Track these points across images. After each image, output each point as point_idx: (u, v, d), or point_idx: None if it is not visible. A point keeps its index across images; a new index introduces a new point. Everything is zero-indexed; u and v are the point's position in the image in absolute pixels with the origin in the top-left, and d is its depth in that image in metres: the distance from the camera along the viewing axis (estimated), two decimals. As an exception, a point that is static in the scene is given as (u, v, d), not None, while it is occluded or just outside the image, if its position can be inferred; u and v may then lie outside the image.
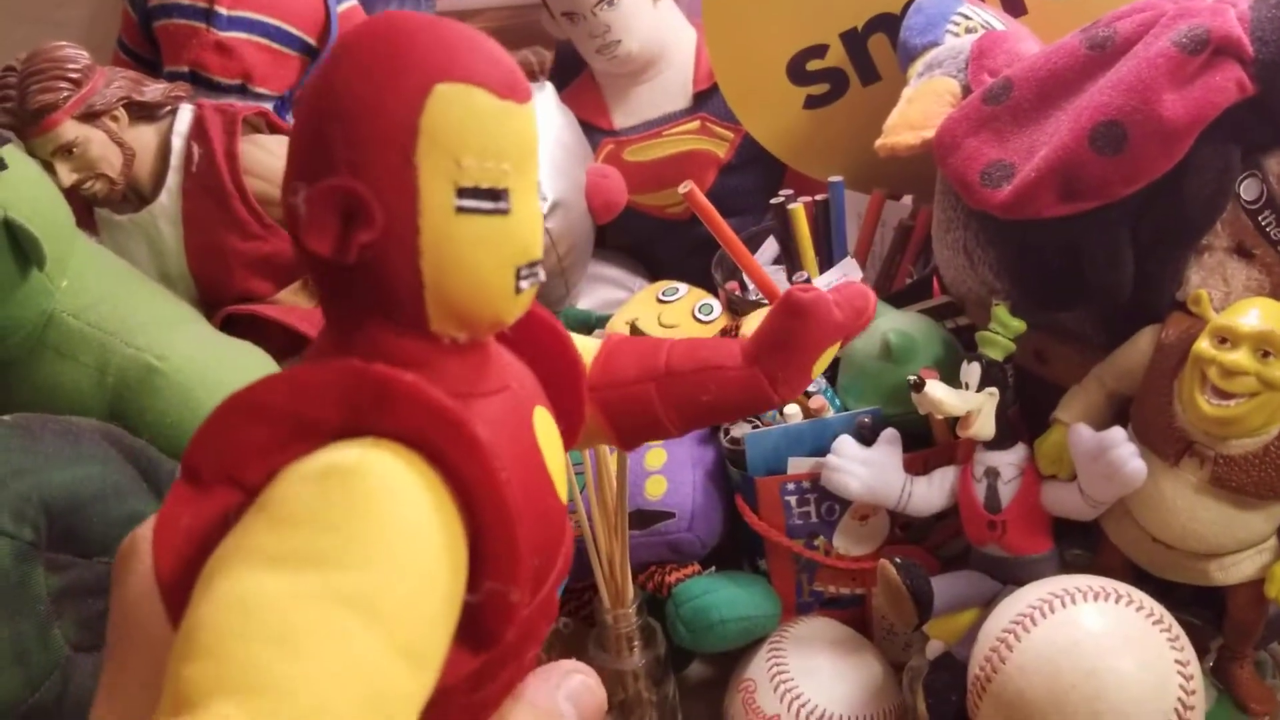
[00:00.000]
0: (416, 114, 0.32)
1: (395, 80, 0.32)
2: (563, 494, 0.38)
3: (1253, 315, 0.59)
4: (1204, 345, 0.60)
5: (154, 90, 0.84)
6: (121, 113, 0.82)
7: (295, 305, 0.87)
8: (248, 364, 0.77)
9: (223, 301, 0.85)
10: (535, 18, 1.09)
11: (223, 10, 0.99)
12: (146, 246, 0.85)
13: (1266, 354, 0.58)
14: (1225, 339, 0.60)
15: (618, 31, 1.03)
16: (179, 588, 0.30)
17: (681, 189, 0.83)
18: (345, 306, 0.34)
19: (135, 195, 0.85)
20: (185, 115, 0.84)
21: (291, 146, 0.33)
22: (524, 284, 0.35)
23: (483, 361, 0.37)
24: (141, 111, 0.83)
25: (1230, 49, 0.62)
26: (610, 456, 0.72)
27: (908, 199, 0.99)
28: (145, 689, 0.29)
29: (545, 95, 0.99)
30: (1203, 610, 0.69)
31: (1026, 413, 0.74)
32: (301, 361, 0.34)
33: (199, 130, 0.83)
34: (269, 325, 0.83)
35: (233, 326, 0.83)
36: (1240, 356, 0.58)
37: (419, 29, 0.33)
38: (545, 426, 0.39)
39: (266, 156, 0.83)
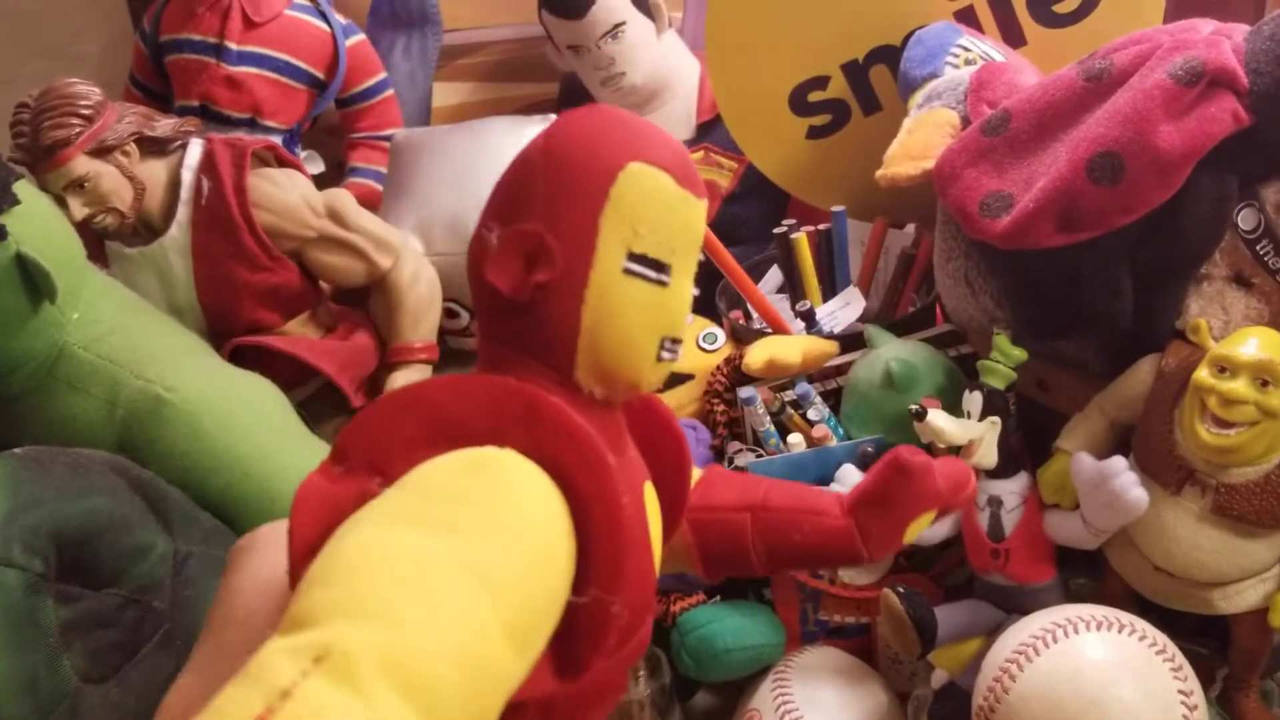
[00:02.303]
0: (609, 182, 0.38)
1: (597, 152, 0.38)
2: (655, 571, 0.41)
3: (1251, 344, 0.60)
4: (1203, 374, 0.60)
5: (164, 125, 0.85)
6: (133, 148, 0.83)
7: (303, 336, 0.87)
8: (256, 395, 0.78)
9: (231, 333, 0.85)
10: (541, 50, 1.10)
11: (233, 45, 1.01)
12: (156, 279, 0.86)
13: (1265, 383, 0.59)
14: (1224, 368, 0.60)
15: (622, 64, 1.04)
16: (309, 551, 0.33)
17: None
18: (503, 347, 0.38)
19: (145, 228, 0.86)
20: (195, 149, 0.85)
21: (493, 193, 0.40)
22: (665, 355, 0.41)
23: (613, 423, 0.40)
24: (152, 146, 0.84)
25: (1225, 80, 0.63)
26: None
27: (911, 228, 0.99)
28: (235, 662, 0.31)
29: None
30: (1208, 639, 0.69)
31: (1029, 441, 0.74)
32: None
33: (208, 164, 0.84)
34: (277, 356, 0.84)
35: (241, 358, 0.84)
36: (1239, 385, 0.59)
37: (625, 119, 0.40)
38: (652, 501, 0.42)
39: (275, 190, 0.84)
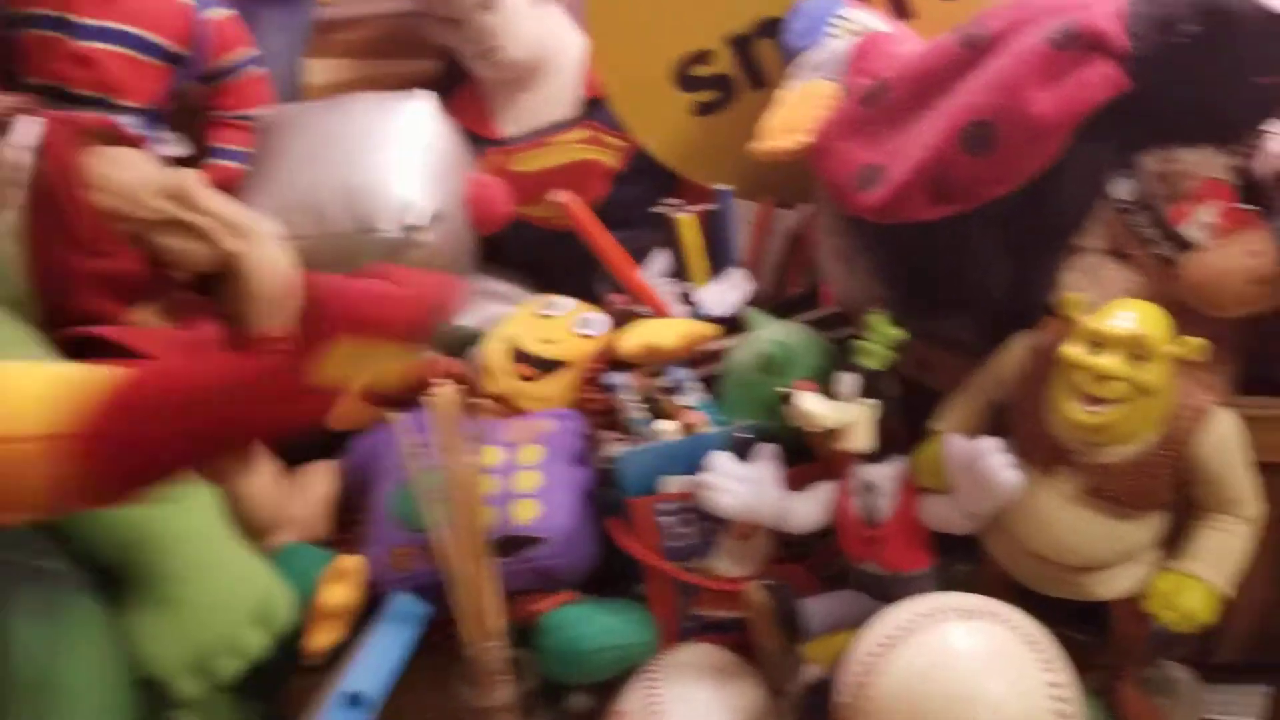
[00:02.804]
0: None
1: None
2: None
3: (1124, 318, 0.57)
4: (1074, 350, 0.58)
5: (-2, 102, 0.79)
6: (-41, 127, 0.77)
7: (147, 326, 0.82)
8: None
9: (68, 322, 0.79)
10: (410, 25, 1.05)
11: (82, 20, 0.94)
12: (-13, 265, 0.80)
13: (1138, 358, 0.56)
14: (1096, 343, 0.57)
15: (499, 37, 0.99)
16: None
17: (558, 199, 0.80)
18: None
19: (-23, 211, 0.80)
20: (27, 128, 0.79)
21: None
22: None
23: None
24: (-22, 125, 0.79)
25: (1102, 44, 0.61)
26: (470, 479, 0.68)
27: (799, 207, 0.96)
28: None
29: (423, 104, 0.96)
30: (1088, 625, 0.66)
31: (911, 423, 0.71)
32: None
33: (40, 143, 0.78)
34: (115, 348, 0.79)
35: (83, 351, 0.78)
36: (1111, 361, 0.56)
37: None
38: None
39: (111, 169, 0.78)
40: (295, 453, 0.92)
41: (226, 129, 1.02)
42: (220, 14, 1.01)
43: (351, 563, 0.76)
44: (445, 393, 0.65)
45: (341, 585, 0.75)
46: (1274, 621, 0.68)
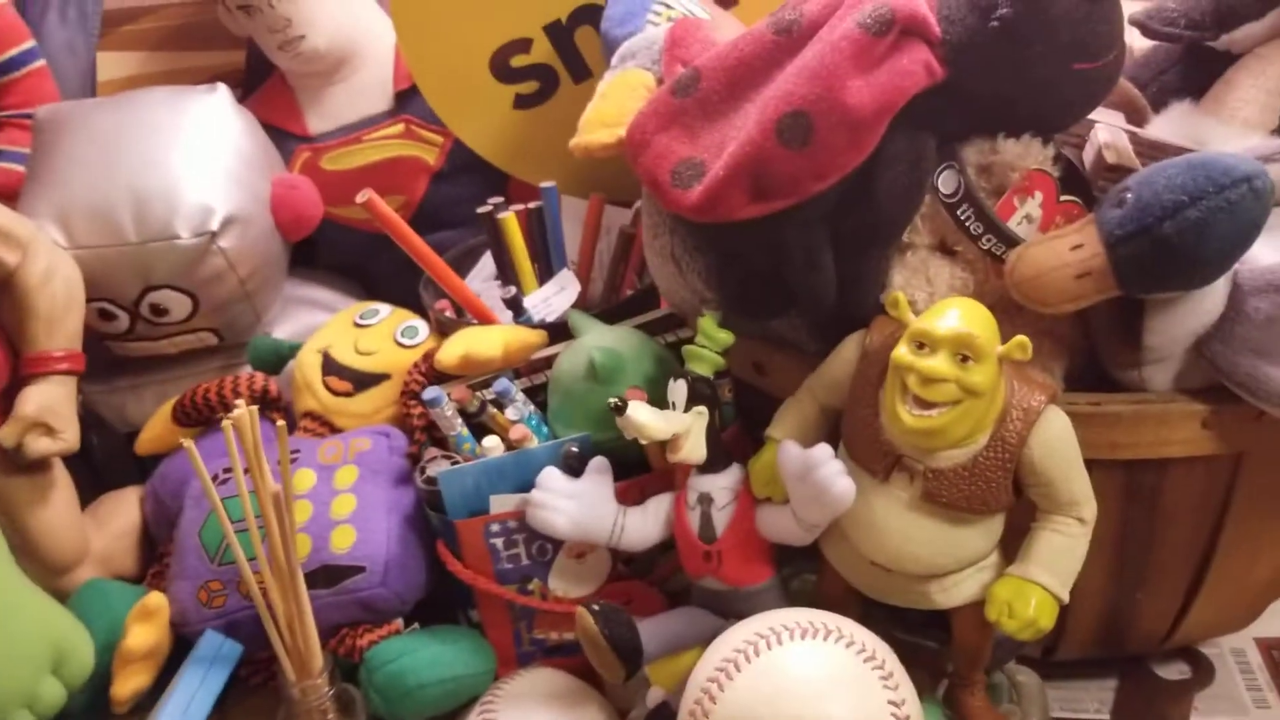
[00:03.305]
0: None
1: None
2: None
3: (950, 317, 0.54)
4: (902, 351, 0.55)
5: None
6: None
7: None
8: None
9: None
10: (213, 14, 0.98)
11: None
12: None
13: (966, 358, 0.54)
14: (924, 344, 0.55)
15: (300, 25, 0.93)
16: None
17: (359, 198, 0.75)
18: None
19: None
20: None
21: None
22: None
23: None
24: None
25: (917, 29, 0.58)
26: (281, 507, 0.62)
27: (636, 204, 0.93)
28: None
29: (219, 98, 0.89)
30: (936, 632, 0.65)
31: (751, 430, 0.69)
32: None
33: None
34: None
35: None
36: (939, 363, 0.54)
37: None
38: None
39: None
40: (95, 480, 0.86)
41: (9, 129, 0.93)
42: (-10, 9, 0.92)
43: (158, 600, 0.70)
44: (245, 413, 0.60)
45: (148, 625, 0.69)
46: (1116, 615, 0.67)
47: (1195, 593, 0.66)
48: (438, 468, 0.70)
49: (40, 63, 0.95)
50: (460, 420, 0.71)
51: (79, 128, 0.85)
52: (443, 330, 0.83)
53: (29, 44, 0.94)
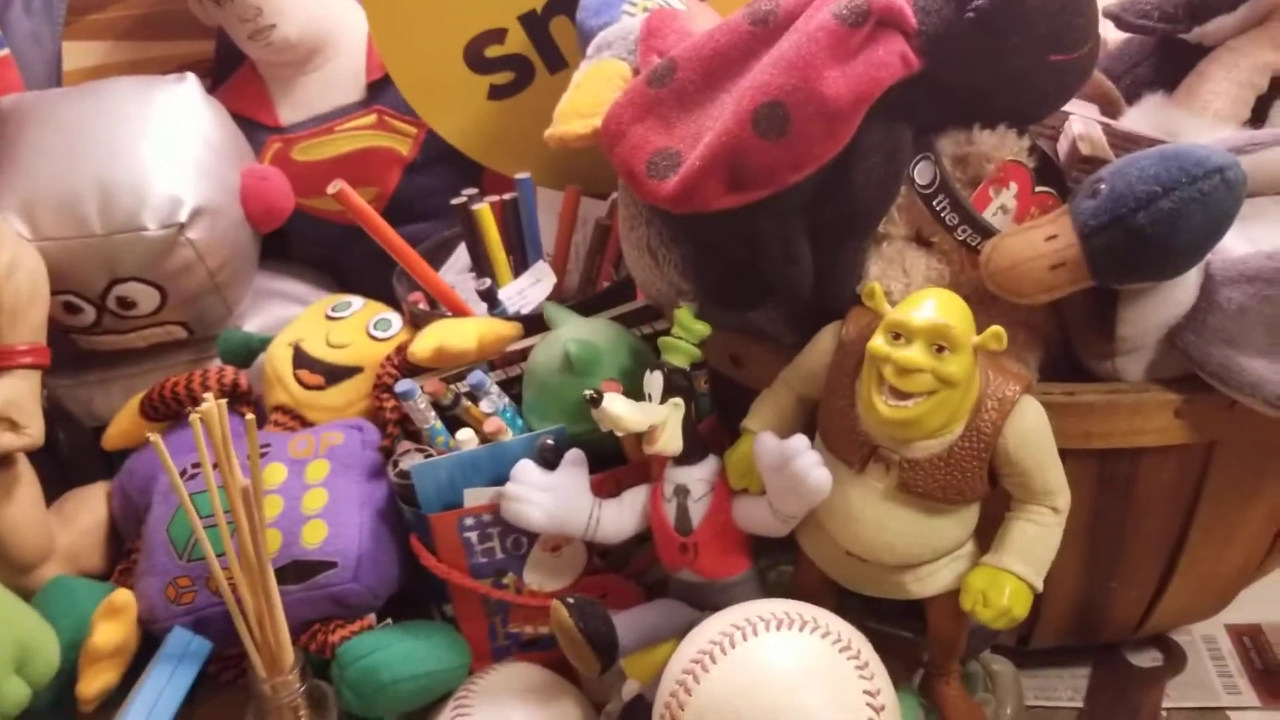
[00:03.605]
0: None
1: None
2: None
3: (926, 308, 0.55)
4: (878, 342, 0.55)
5: None
6: None
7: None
8: None
9: None
10: (182, 3, 0.97)
11: None
12: None
13: (941, 349, 0.54)
14: (900, 334, 0.55)
15: (270, 15, 0.92)
16: None
17: (330, 189, 0.74)
18: None
19: None
20: None
21: None
22: None
23: None
24: None
25: (892, 20, 0.58)
26: (250, 502, 0.62)
27: (612, 196, 0.92)
28: None
29: (187, 88, 0.88)
30: (912, 621, 0.65)
31: (728, 421, 0.69)
32: None
33: None
34: None
35: None
36: (914, 353, 0.54)
37: None
38: None
39: None
40: (62, 476, 0.84)
41: (-32, 119, 0.92)
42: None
43: (125, 598, 0.69)
44: (213, 406, 0.59)
45: (115, 623, 0.69)
46: (1089, 604, 0.67)
47: (1168, 581, 0.67)
48: (411, 461, 0.69)
49: (4, 52, 0.94)
50: (434, 413, 0.71)
51: (44, 118, 0.84)
52: (416, 323, 0.82)
53: (-8, 32, 0.93)
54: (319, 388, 0.78)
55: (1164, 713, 0.70)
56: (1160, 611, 0.69)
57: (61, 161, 0.81)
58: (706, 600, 0.64)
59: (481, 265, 0.87)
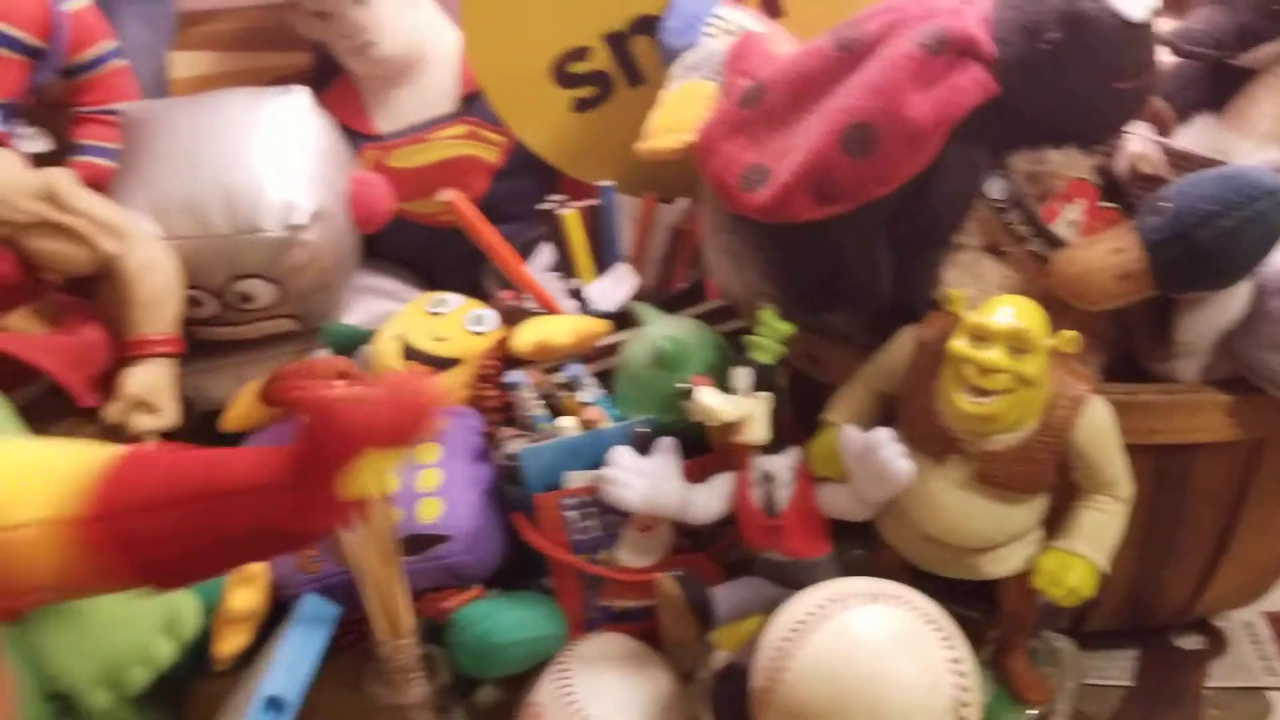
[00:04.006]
0: None
1: None
2: None
3: (1004, 313, 0.60)
4: (960, 344, 0.61)
5: None
6: None
7: (24, 332, 0.79)
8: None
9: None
10: (281, 17, 1.03)
11: (-73, 12, 0.90)
12: None
13: (1019, 351, 0.59)
14: (979, 337, 0.60)
15: (372, 32, 0.98)
16: None
17: (444, 197, 0.80)
18: None
19: None
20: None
21: None
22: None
23: None
24: None
25: (972, 50, 0.64)
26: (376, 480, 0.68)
27: (683, 202, 0.98)
28: None
29: (298, 99, 0.94)
30: (979, 603, 0.70)
31: (802, 415, 0.73)
32: None
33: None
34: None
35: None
36: (994, 354, 0.59)
37: None
38: None
39: (-22, 172, 0.75)
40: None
41: (91, 124, 0.98)
42: (79, 5, 0.97)
43: (258, 566, 0.75)
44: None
45: (247, 589, 0.74)
46: (1140, 591, 0.73)
47: (1214, 569, 0.72)
48: (518, 444, 0.75)
49: (120, 62, 1.00)
50: (538, 402, 0.77)
51: (167, 125, 0.90)
52: (508, 319, 0.88)
53: (111, 44, 0.99)
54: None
55: (1206, 692, 0.75)
56: (1206, 598, 0.75)
57: (185, 166, 0.87)
58: (791, 578, 0.70)
59: (566, 266, 0.93)
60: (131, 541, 0.43)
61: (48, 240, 0.77)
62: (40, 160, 0.85)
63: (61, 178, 0.78)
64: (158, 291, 0.79)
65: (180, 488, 0.43)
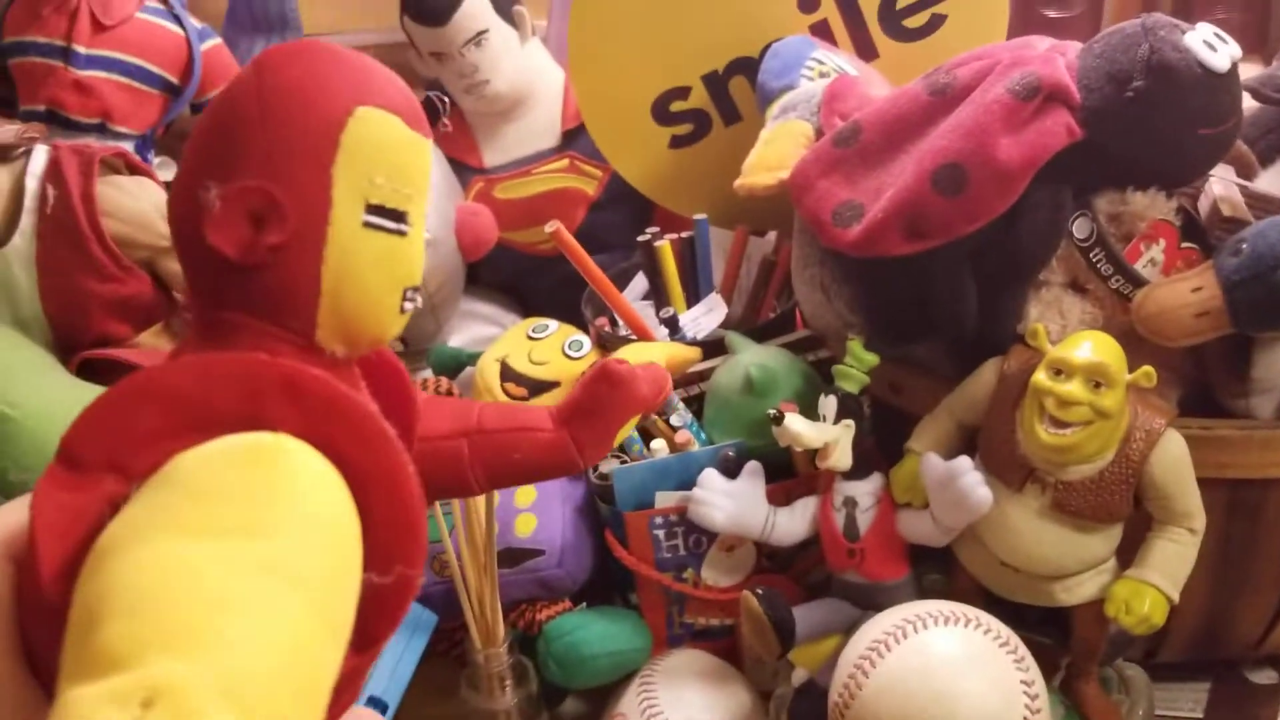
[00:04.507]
0: (339, 129, 0.35)
1: (321, 96, 0.35)
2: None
3: (1085, 348, 0.63)
4: (1041, 377, 0.63)
5: (6, 131, 0.82)
6: (-28, 155, 0.80)
7: (156, 349, 0.85)
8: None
9: (79, 346, 0.82)
10: (403, 57, 1.09)
11: (81, 49, 0.97)
12: (-1, 290, 0.83)
13: (1098, 384, 0.61)
14: (1060, 370, 0.63)
15: (485, 71, 1.04)
16: (63, 571, 0.30)
17: (548, 228, 0.84)
18: (229, 313, 0.35)
19: (-13, 238, 0.83)
20: (40, 156, 0.82)
21: (200, 147, 0.35)
22: (407, 305, 0.38)
23: (353, 381, 0.38)
24: (-7, 153, 0.81)
25: (1060, 96, 0.66)
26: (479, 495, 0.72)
27: (772, 235, 1.01)
28: None
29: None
30: (1051, 630, 0.72)
31: (883, 443, 0.76)
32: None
33: (54, 172, 0.81)
34: (128, 370, 0.82)
35: (90, 371, 0.81)
36: (1074, 387, 0.62)
37: (343, 55, 0.37)
38: None
39: (125, 198, 0.82)
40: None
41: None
42: (213, 44, 1.04)
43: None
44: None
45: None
46: (1213, 622, 0.74)
47: (1288, 604, 0.73)
48: (610, 465, 0.79)
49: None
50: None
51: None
52: (604, 344, 0.92)
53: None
54: (522, 399, 0.88)
55: (1279, 728, 0.76)
56: (1278, 632, 0.75)
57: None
58: (870, 600, 0.72)
59: (660, 295, 0.97)
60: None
61: (182, 262, 0.83)
62: (169, 187, 0.92)
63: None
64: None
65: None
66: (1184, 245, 0.70)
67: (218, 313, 0.35)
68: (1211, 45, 0.64)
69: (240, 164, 0.34)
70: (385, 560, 0.33)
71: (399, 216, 0.36)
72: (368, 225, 0.35)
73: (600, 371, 0.53)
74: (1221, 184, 0.74)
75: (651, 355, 0.83)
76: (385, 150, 0.36)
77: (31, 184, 0.81)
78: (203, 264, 0.35)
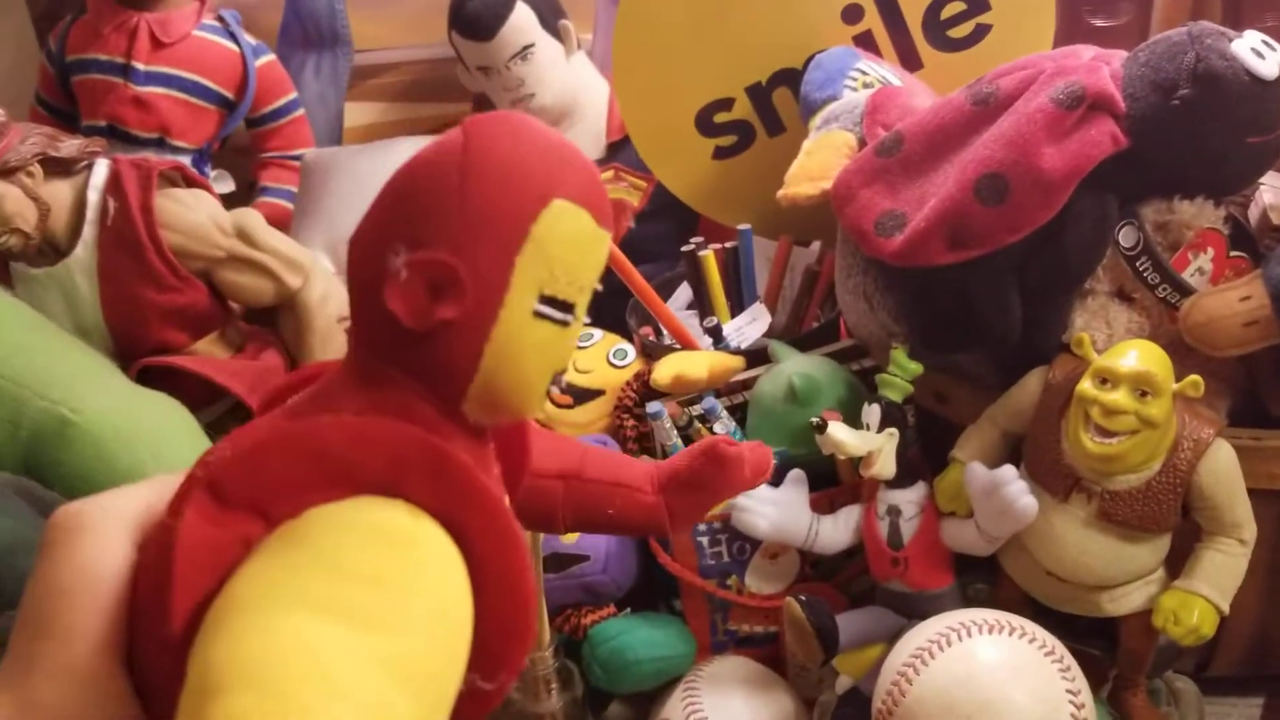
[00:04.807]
0: (531, 220, 0.35)
1: (521, 181, 0.35)
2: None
3: (1131, 357, 0.62)
4: (1086, 386, 0.63)
5: (70, 146, 0.84)
6: (37, 168, 0.82)
7: (212, 356, 0.87)
8: (162, 416, 0.77)
9: (139, 353, 0.85)
10: (450, 71, 1.11)
11: (140, 66, 1.00)
12: (62, 299, 0.85)
13: (1144, 393, 0.61)
14: (1106, 379, 0.62)
15: (531, 85, 1.05)
16: (198, 603, 0.31)
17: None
18: (387, 367, 0.36)
19: (51, 249, 0.86)
20: (101, 170, 0.85)
21: (395, 202, 0.36)
22: (553, 389, 0.38)
23: (486, 448, 0.39)
24: (57, 166, 0.84)
25: (1104, 105, 0.66)
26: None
27: (815, 245, 1.02)
28: (51, 683, 0.30)
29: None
30: (1099, 640, 0.71)
31: (928, 451, 0.76)
32: (302, 406, 0.36)
33: (114, 185, 0.83)
34: (185, 377, 0.84)
35: (148, 378, 0.83)
36: (1120, 396, 0.61)
37: (547, 137, 0.37)
38: None
39: (182, 210, 0.84)
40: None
41: (275, 168, 1.08)
42: (267, 60, 1.07)
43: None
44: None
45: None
46: (1266, 635, 0.73)
47: (1343, 618, 0.72)
48: (654, 473, 0.80)
49: (300, 112, 1.09)
50: (675, 432, 0.81)
51: (344, 170, 0.98)
52: (648, 353, 0.93)
53: (293, 95, 1.09)
54: (568, 406, 0.90)
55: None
56: (1336, 649, 0.75)
57: (360, 208, 0.93)
58: (914, 609, 0.72)
59: (704, 304, 0.97)
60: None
61: (239, 273, 0.85)
62: (223, 200, 0.94)
63: (253, 217, 0.86)
64: (332, 322, 0.86)
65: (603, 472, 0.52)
66: (1232, 254, 0.70)
67: (373, 361, 0.36)
68: (1259, 53, 0.64)
69: (432, 234, 0.35)
70: (493, 665, 0.33)
71: (568, 308, 0.37)
72: (537, 314, 0.36)
73: (708, 449, 0.53)
74: (1272, 192, 0.74)
75: (694, 363, 0.84)
76: (570, 246, 0.36)
77: (93, 197, 0.84)
78: (372, 316, 0.36)
